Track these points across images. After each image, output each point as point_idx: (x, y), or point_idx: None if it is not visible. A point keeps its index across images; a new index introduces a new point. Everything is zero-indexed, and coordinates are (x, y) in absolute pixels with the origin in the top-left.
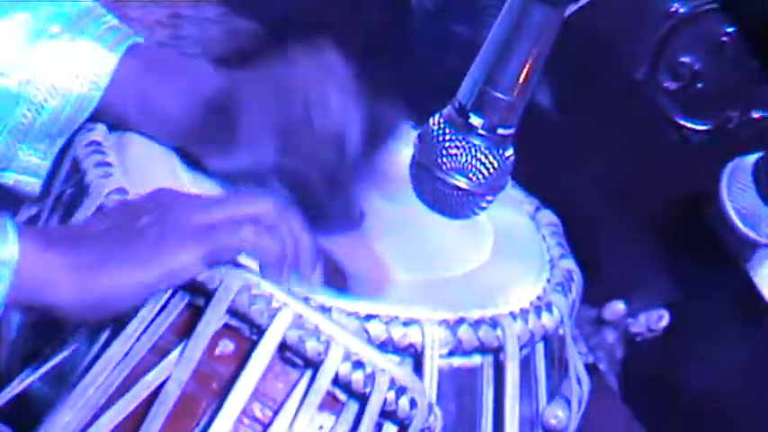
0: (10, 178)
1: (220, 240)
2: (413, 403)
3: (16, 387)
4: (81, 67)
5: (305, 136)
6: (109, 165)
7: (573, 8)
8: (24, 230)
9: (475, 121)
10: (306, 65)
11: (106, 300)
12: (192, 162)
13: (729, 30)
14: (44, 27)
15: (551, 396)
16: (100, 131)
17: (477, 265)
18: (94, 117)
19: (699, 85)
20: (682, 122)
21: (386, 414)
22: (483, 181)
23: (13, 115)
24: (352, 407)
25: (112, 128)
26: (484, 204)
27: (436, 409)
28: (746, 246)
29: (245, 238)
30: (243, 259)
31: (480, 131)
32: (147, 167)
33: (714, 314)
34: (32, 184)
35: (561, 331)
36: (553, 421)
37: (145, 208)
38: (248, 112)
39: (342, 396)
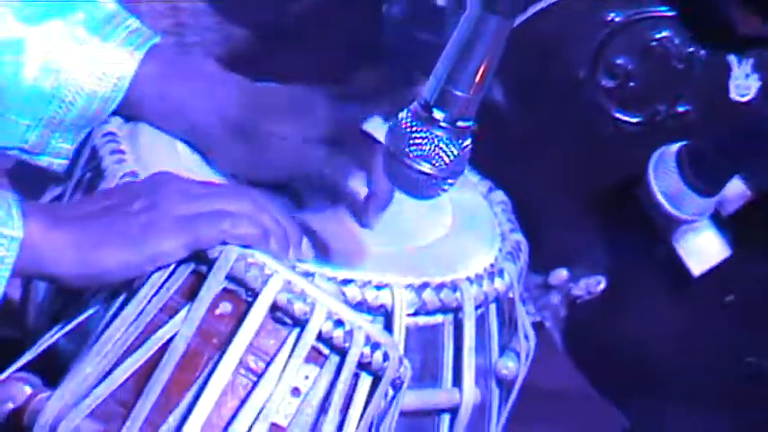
0: (44, 161)
1: (201, 231)
2: (385, 356)
3: (45, 343)
4: (106, 70)
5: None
6: (122, 152)
7: (522, 17)
8: (31, 210)
9: (438, 115)
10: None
11: (100, 273)
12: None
13: (658, 35)
14: (74, 32)
15: (503, 350)
16: (115, 123)
17: (439, 237)
18: (115, 111)
19: (631, 84)
20: (617, 115)
21: (362, 366)
22: (445, 167)
23: (47, 111)
24: (334, 359)
25: (127, 119)
26: (446, 187)
27: (405, 362)
28: (671, 222)
29: (224, 230)
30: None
31: (442, 124)
32: (156, 154)
33: (644, 279)
34: (63, 165)
35: (511, 294)
36: (504, 371)
37: (141, 191)
38: (264, 127)
39: (325, 350)
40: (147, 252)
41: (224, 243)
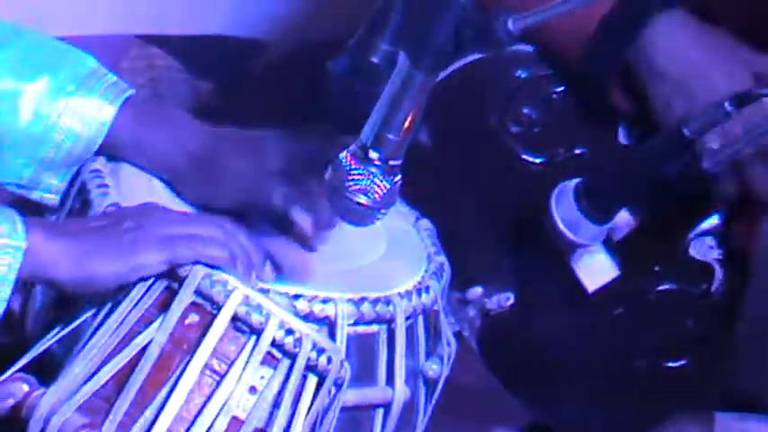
0: (37, 195)
1: (179, 250)
2: (329, 360)
3: (40, 347)
4: (89, 116)
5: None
6: (106, 186)
7: (444, 74)
8: (33, 223)
9: (373, 155)
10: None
11: (92, 279)
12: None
13: (557, 90)
14: (62, 86)
15: (429, 354)
16: (100, 162)
17: (375, 259)
18: (98, 151)
19: (535, 130)
20: (524, 157)
21: (309, 368)
22: (379, 199)
23: (39, 151)
24: (285, 362)
25: (110, 158)
26: (380, 216)
27: (346, 364)
28: (570, 246)
29: (198, 251)
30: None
31: (376, 162)
32: (135, 189)
33: (546, 295)
34: (53, 200)
35: (436, 307)
36: (430, 372)
37: (128, 216)
38: (223, 164)
39: (278, 354)
40: (132, 263)
41: (196, 262)
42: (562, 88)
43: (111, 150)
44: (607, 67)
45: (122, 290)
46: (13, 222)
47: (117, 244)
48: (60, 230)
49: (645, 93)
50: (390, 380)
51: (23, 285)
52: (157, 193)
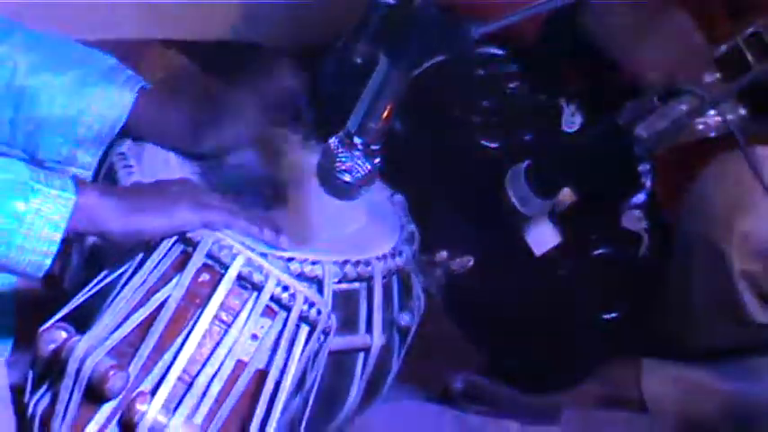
0: (72, 171)
1: (214, 216)
2: (318, 312)
3: (76, 302)
4: (112, 102)
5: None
6: (130, 166)
7: (417, 72)
8: (87, 183)
9: (357, 141)
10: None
11: (139, 233)
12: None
13: (511, 85)
14: (89, 78)
15: (402, 308)
16: (125, 145)
17: (356, 228)
18: (122, 132)
19: (492, 120)
20: (483, 143)
21: (302, 318)
22: (361, 178)
23: (73, 132)
24: (282, 314)
25: (134, 139)
26: (362, 192)
27: (332, 316)
28: (520, 217)
29: (228, 220)
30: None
31: (360, 147)
32: (154, 166)
33: (501, 258)
34: (86, 175)
35: (407, 268)
36: (403, 322)
37: (170, 184)
38: (231, 116)
39: (275, 308)
40: (172, 222)
41: (216, 229)
42: (515, 84)
43: (132, 130)
44: (554, 56)
45: (146, 252)
46: (66, 180)
47: (162, 205)
48: (112, 190)
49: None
50: (369, 329)
51: (63, 250)
52: (173, 168)
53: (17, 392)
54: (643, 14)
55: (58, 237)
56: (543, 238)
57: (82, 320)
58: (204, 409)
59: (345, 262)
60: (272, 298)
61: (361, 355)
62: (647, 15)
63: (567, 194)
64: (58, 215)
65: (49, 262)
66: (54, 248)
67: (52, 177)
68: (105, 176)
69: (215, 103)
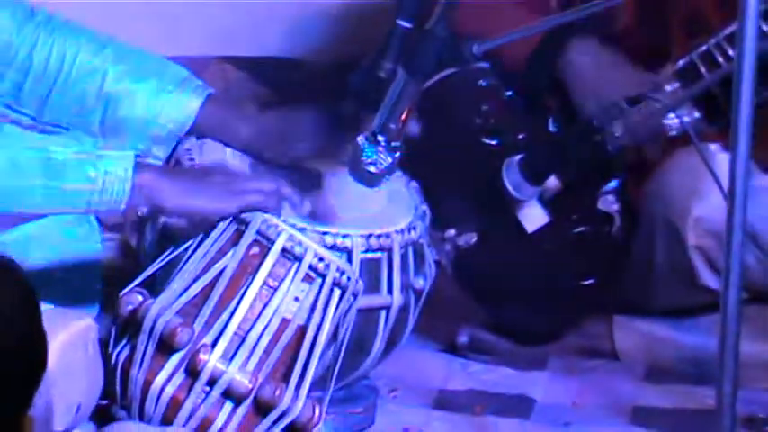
0: (153, 162)
1: (249, 200)
2: (348, 278)
3: (150, 270)
4: (183, 107)
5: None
6: (193, 160)
7: (429, 83)
8: (147, 164)
9: (380, 138)
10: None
11: (192, 213)
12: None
13: (507, 94)
14: (165, 86)
15: (416, 273)
16: (190, 142)
17: (379, 208)
18: (189, 132)
19: (492, 121)
20: (483, 140)
21: (335, 284)
22: (384, 169)
23: (150, 131)
24: (318, 280)
25: (198, 137)
26: (385, 180)
27: (359, 281)
28: (515, 201)
29: (261, 202)
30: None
31: (382, 143)
32: (214, 158)
33: (499, 235)
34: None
35: (421, 241)
36: (417, 285)
37: (216, 171)
38: (273, 138)
39: (313, 275)
40: (216, 206)
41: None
42: (510, 93)
43: (198, 130)
44: (540, 78)
45: (206, 231)
46: (125, 153)
47: (210, 191)
48: (168, 172)
49: (567, 95)
50: (390, 290)
51: (139, 227)
52: (228, 160)
53: (103, 345)
54: (600, 70)
55: (126, 188)
56: (534, 218)
57: (154, 287)
58: (255, 358)
59: (370, 235)
60: (310, 267)
61: (383, 312)
62: (602, 72)
63: (553, 182)
64: (122, 170)
65: (123, 206)
66: (125, 195)
67: (112, 149)
68: (173, 165)
69: (276, 117)
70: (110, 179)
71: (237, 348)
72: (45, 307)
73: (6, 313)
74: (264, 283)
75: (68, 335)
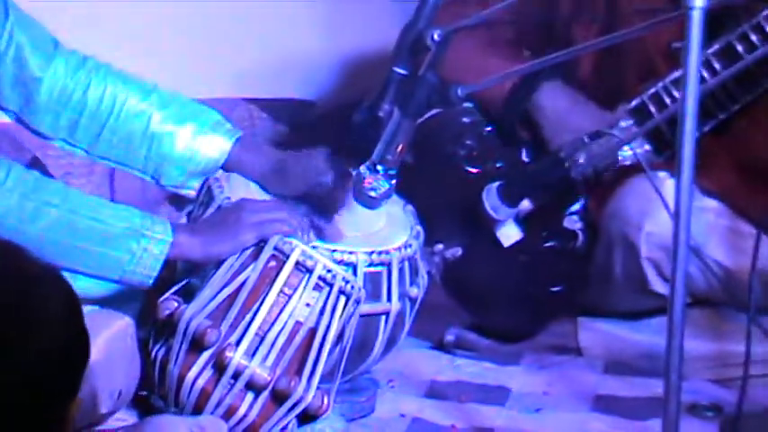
0: (183, 191)
1: (263, 230)
2: (352, 288)
3: (185, 280)
4: (217, 147)
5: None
6: (222, 187)
7: (421, 120)
8: (178, 225)
9: (379, 167)
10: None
11: (213, 257)
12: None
13: (486, 129)
14: (202, 129)
15: (411, 283)
16: (219, 173)
17: (379, 228)
18: (220, 167)
19: (474, 153)
20: (467, 168)
21: (341, 292)
22: (383, 193)
23: (188, 167)
24: (326, 289)
25: (225, 170)
26: (383, 203)
27: (362, 291)
28: (493, 220)
29: (276, 230)
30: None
31: (381, 172)
32: (238, 188)
33: (480, 249)
34: (192, 194)
35: (416, 256)
36: (412, 294)
37: (230, 212)
38: (289, 171)
39: (322, 284)
40: (237, 244)
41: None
42: (489, 128)
43: (227, 166)
44: (514, 115)
45: None
46: (166, 225)
47: (226, 234)
48: (193, 230)
49: (537, 130)
50: (389, 298)
51: None
52: (252, 191)
53: (143, 344)
54: (564, 109)
55: (158, 266)
56: (509, 234)
57: (188, 294)
58: (273, 355)
59: (372, 252)
60: (319, 277)
61: (383, 317)
62: (567, 111)
63: (526, 204)
64: (159, 251)
65: (151, 281)
66: (155, 274)
67: (156, 223)
68: (205, 193)
69: (293, 156)
70: (147, 255)
71: (258, 347)
72: (92, 308)
73: (55, 316)
74: (281, 291)
75: (110, 332)
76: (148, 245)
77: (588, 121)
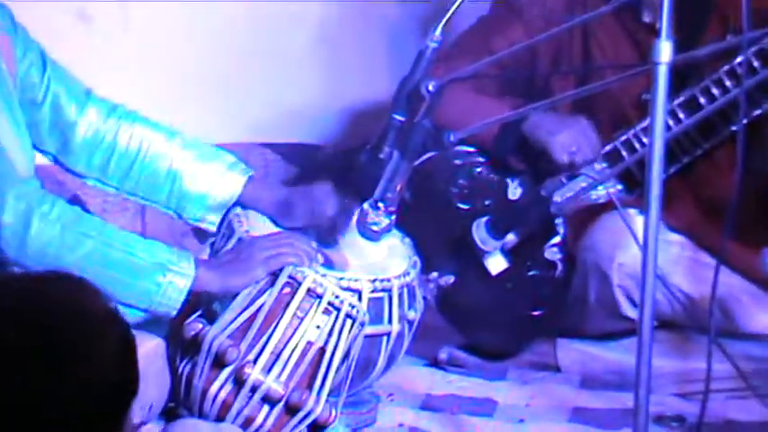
0: (204, 225)
1: (271, 266)
2: (358, 311)
3: (209, 305)
4: (232, 184)
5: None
6: (241, 223)
7: (417, 162)
8: (200, 260)
9: (381, 204)
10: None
11: (230, 290)
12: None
13: (477, 170)
14: (217, 169)
15: (409, 307)
16: (237, 210)
17: (381, 258)
18: (236, 203)
19: (465, 192)
20: (459, 205)
21: (347, 315)
22: (384, 228)
23: (207, 202)
24: (335, 313)
25: (243, 207)
26: (385, 237)
27: (366, 314)
28: (482, 251)
29: (286, 261)
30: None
31: (382, 208)
32: (256, 223)
33: (471, 276)
34: (212, 228)
35: (413, 283)
36: (410, 316)
37: (243, 249)
38: (298, 207)
39: (331, 308)
40: (250, 277)
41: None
42: (479, 169)
43: (241, 201)
44: (506, 149)
45: None
46: (189, 260)
47: (239, 270)
48: (212, 265)
49: (529, 150)
50: (390, 321)
51: None
52: (268, 225)
53: (171, 361)
54: (560, 118)
55: (182, 298)
56: (496, 264)
57: (210, 317)
58: (286, 372)
59: (375, 280)
60: (329, 303)
61: (385, 337)
62: (560, 118)
63: (511, 237)
64: (182, 284)
65: (175, 312)
66: (178, 305)
67: (181, 258)
68: (226, 227)
69: (293, 192)
70: (172, 288)
71: (273, 364)
72: None
73: (112, 351)
74: (294, 314)
75: (144, 351)
76: (174, 278)
77: (576, 124)
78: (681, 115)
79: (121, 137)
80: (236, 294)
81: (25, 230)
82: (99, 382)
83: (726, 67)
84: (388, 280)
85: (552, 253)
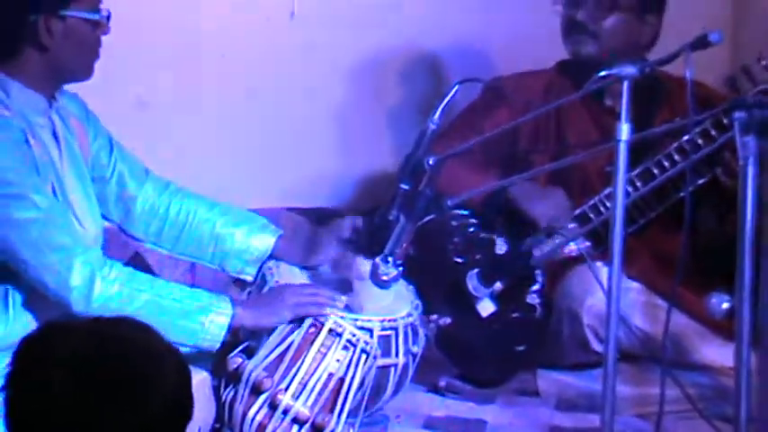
0: (243, 276)
1: (297, 311)
2: (371, 347)
3: (246, 342)
4: (265, 242)
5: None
6: (272, 274)
7: (420, 223)
8: (237, 302)
9: (389, 258)
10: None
11: (262, 327)
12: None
13: (471, 230)
14: (252, 230)
15: (413, 343)
16: (271, 262)
17: (389, 302)
18: (269, 257)
19: (459, 248)
20: (455, 259)
21: (362, 351)
22: (393, 277)
23: (244, 257)
24: (351, 348)
25: (275, 258)
26: (393, 285)
27: (378, 349)
28: (474, 297)
29: (310, 310)
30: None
31: (391, 262)
32: (286, 273)
33: (464, 318)
34: (250, 278)
35: (416, 322)
36: (414, 350)
37: (273, 294)
38: (322, 240)
39: (349, 345)
40: (279, 319)
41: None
42: (472, 229)
43: (275, 254)
44: (493, 211)
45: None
46: (227, 300)
47: (271, 311)
48: (247, 304)
49: (512, 207)
50: (397, 355)
51: None
52: (295, 274)
53: (216, 390)
54: (538, 189)
55: (223, 333)
56: (486, 308)
57: (248, 352)
58: (312, 398)
59: (384, 320)
60: (347, 340)
61: (393, 368)
62: (540, 189)
63: (498, 285)
64: (223, 321)
65: (217, 346)
66: (220, 339)
67: (219, 300)
68: (261, 278)
69: (315, 243)
70: (213, 325)
71: (301, 391)
72: None
73: (170, 385)
74: (318, 350)
75: (193, 383)
76: (215, 317)
77: (549, 207)
78: (638, 184)
79: (172, 208)
80: (270, 333)
81: (90, 291)
82: (165, 408)
83: (675, 145)
84: (395, 320)
85: (533, 298)
